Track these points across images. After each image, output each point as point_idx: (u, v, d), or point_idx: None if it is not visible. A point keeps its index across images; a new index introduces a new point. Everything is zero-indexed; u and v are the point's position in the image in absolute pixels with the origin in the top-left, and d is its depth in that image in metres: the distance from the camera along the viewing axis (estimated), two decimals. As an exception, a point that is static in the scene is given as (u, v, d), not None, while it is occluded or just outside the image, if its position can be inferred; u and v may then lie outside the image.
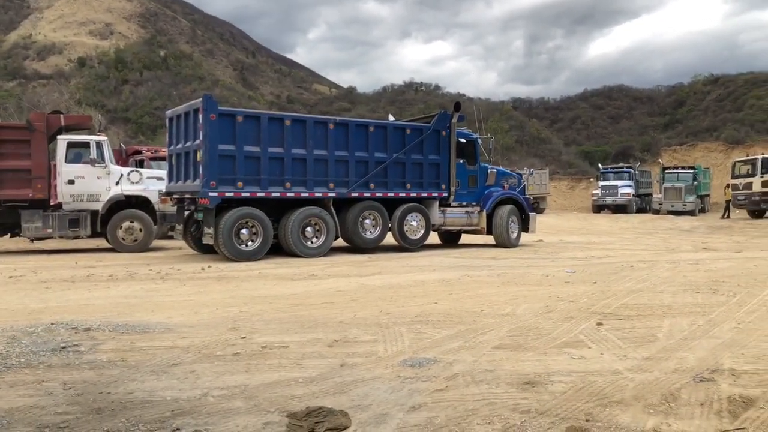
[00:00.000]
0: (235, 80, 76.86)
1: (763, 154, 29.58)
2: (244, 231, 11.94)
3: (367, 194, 13.44)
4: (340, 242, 13.63)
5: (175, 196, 13.12)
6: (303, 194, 12.63)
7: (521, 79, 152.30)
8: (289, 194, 12.50)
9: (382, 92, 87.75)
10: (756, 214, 27.84)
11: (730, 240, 17.83)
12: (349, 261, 12.00)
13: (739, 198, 28.58)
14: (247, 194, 12.05)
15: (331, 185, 12.95)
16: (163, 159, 15.97)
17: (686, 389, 3.90)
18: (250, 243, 12.05)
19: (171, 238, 15.77)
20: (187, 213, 13.05)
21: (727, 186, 29.99)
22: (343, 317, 6.22)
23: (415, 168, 14.08)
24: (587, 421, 3.39)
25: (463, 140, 14.89)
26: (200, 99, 11.93)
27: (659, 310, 6.57)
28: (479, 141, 15.59)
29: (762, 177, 27.50)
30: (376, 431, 3.26)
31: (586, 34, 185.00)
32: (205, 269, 10.52)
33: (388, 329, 5.66)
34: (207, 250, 12.94)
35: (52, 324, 5.70)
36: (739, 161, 30.36)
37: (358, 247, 13.53)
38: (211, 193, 11.61)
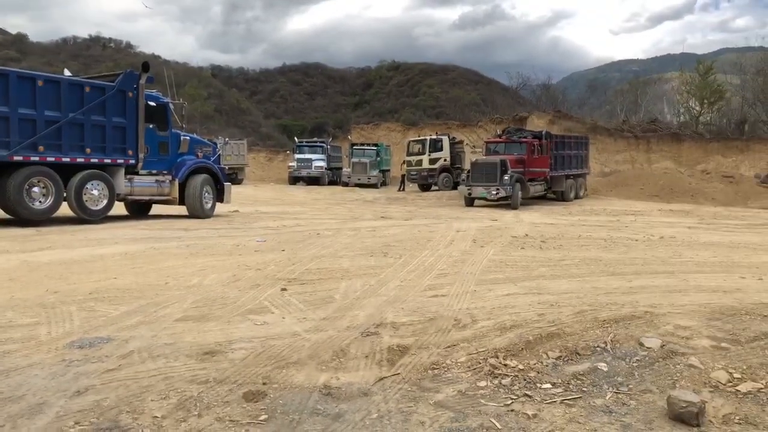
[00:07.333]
0: None
1: (431, 135, 34.14)
2: None
3: (35, 158, 11.69)
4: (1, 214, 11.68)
5: None
6: (-53, 155, 10.44)
7: (219, 47, 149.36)
8: (-74, 155, 10.21)
9: (61, 44, 77.79)
10: (424, 187, 32.08)
11: (403, 210, 20.26)
12: (10, 235, 10.32)
13: (412, 173, 32.64)
14: None
15: (-14, 146, 10.95)
16: None
17: (355, 344, 4.28)
18: None
19: None
20: None
21: (403, 162, 33.92)
22: (-4, 300, 5.33)
23: (97, 131, 12.73)
24: (264, 384, 3.49)
25: (152, 104, 13.93)
26: None
27: (338, 273, 7.12)
28: (171, 106, 14.81)
29: (429, 155, 31.86)
30: (29, 424, 2.89)
31: (284, 9, 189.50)
32: None
33: (54, 309, 5.03)
34: None
35: None
36: (412, 141, 34.53)
37: (24, 219, 11.73)
38: None
